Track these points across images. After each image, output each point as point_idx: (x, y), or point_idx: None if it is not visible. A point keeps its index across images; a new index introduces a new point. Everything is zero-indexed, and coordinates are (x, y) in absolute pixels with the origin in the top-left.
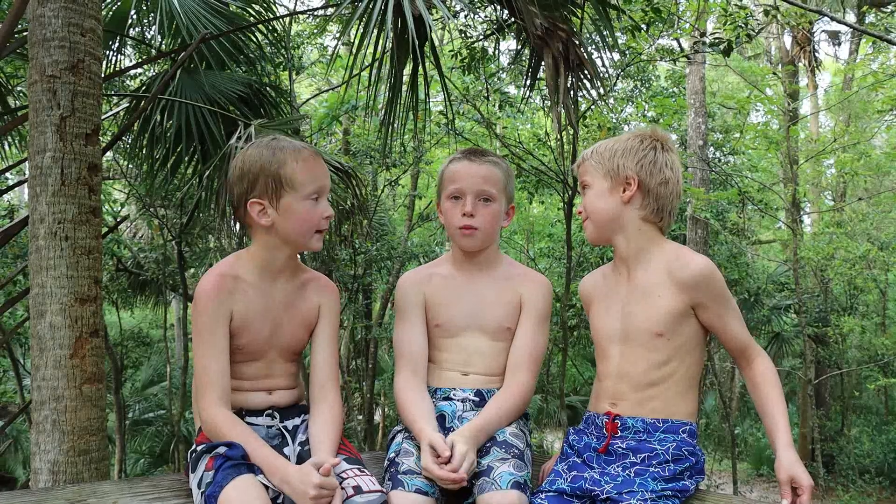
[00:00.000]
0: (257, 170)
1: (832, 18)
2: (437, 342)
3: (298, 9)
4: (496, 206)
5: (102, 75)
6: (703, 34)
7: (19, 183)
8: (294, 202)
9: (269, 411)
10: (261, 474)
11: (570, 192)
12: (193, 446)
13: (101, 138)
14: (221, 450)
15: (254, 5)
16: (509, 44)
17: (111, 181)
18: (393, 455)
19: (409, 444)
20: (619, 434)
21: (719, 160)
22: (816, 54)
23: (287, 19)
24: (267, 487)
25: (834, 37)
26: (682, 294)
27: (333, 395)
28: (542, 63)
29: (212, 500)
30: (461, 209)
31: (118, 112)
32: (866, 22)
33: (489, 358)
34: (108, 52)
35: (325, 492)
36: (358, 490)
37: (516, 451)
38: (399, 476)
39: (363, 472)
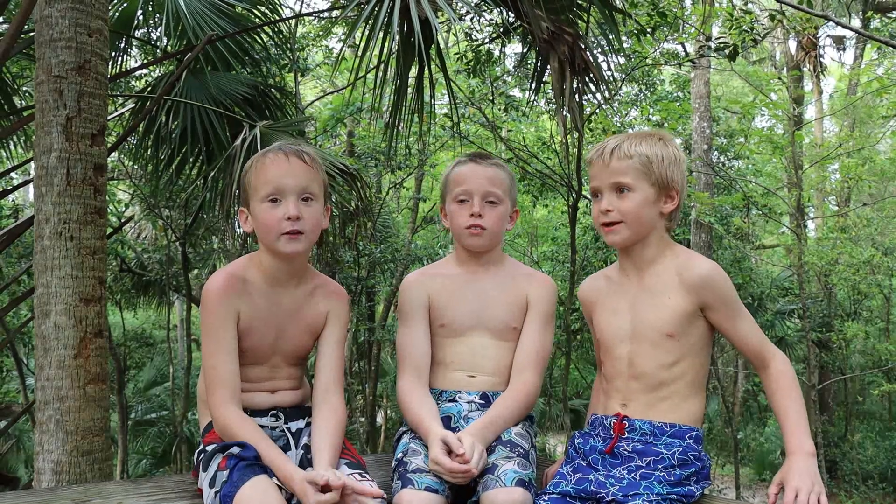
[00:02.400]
0: (240, 179)
1: (837, 23)
2: (443, 343)
3: (304, 11)
4: (502, 208)
5: (108, 76)
6: (708, 38)
7: (25, 183)
8: (255, 207)
9: (274, 412)
10: (274, 476)
11: (574, 196)
12: (202, 446)
13: (106, 139)
14: (235, 450)
15: (259, 7)
16: (515, 47)
17: (116, 182)
18: (401, 455)
19: (417, 443)
20: (626, 436)
21: (724, 164)
22: (821, 59)
23: (293, 21)
24: (280, 488)
25: (839, 42)
26: (689, 296)
27: (337, 399)
28: (548, 66)
29: (228, 499)
30: (469, 210)
31: (124, 113)
32: (871, 27)
33: (496, 359)
34: (114, 53)
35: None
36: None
37: (521, 451)
38: (408, 475)
39: (364, 477)
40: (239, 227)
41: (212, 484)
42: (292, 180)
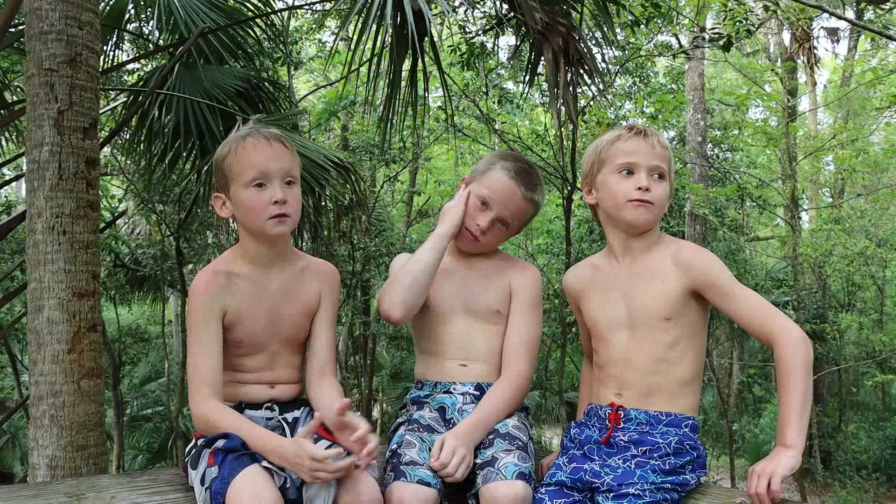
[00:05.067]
0: (214, 165)
1: (832, 14)
2: (432, 329)
3: (297, 3)
4: (509, 232)
5: (100, 69)
6: (702, 30)
7: (17, 177)
8: (238, 191)
9: (269, 404)
10: (264, 460)
11: (569, 188)
12: (193, 441)
13: (98, 133)
14: (220, 443)
15: (252, 0)
16: (509, 39)
17: (109, 177)
18: (395, 447)
19: (411, 435)
20: (622, 425)
21: (718, 156)
22: (815, 51)
23: (285, 14)
24: (272, 473)
25: (833, 34)
26: (682, 277)
27: (332, 378)
28: (542, 58)
29: (219, 497)
30: (481, 221)
31: (116, 107)
32: (865, 18)
33: (485, 344)
34: (105, 47)
35: (317, 464)
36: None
37: (520, 443)
38: (401, 467)
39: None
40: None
41: (202, 481)
42: (277, 164)
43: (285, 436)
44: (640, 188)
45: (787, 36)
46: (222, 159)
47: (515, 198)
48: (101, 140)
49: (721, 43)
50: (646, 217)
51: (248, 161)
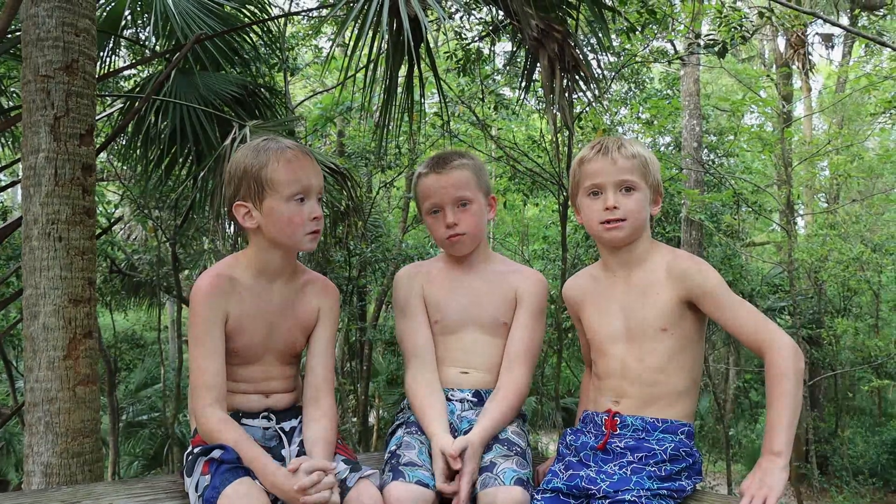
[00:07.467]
0: (241, 172)
1: (826, 20)
2: (437, 339)
3: (293, 10)
4: (475, 205)
5: (96, 76)
6: (697, 36)
7: (13, 183)
8: (276, 204)
9: (266, 413)
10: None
11: (565, 194)
12: (190, 448)
13: (95, 139)
14: (216, 454)
15: (248, 6)
16: (504, 45)
17: (105, 183)
18: (394, 448)
19: (411, 437)
20: (618, 432)
21: (713, 162)
22: (810, 57)
23: (282, 20)
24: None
25: (827, 40)
26: (676, 288)
27: (328, 399)
28: (538, 64)
29: None
30: (443, 222)
31: (112, 113)
32: (859, 25)
33: (488, 354)
34: (102, 53)
35: (311, 497)
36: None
37: (518, 450)
38: (400, 467)
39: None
40: (229, 226)
41: (196, 488)
42: (316, 181)
43: (282, 445)
44: (606, 208)
45: (781, 42)
46: (259, 169)
47: (442, 181)
48: (98, 146)
49: (716, 49)
50: (617, 235)
51: (292, 174)
